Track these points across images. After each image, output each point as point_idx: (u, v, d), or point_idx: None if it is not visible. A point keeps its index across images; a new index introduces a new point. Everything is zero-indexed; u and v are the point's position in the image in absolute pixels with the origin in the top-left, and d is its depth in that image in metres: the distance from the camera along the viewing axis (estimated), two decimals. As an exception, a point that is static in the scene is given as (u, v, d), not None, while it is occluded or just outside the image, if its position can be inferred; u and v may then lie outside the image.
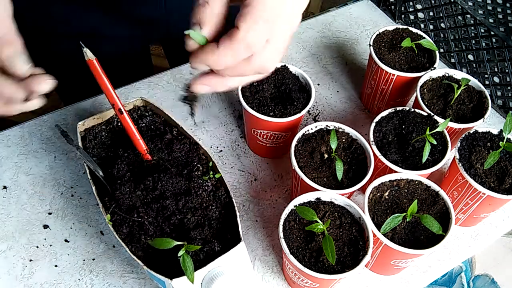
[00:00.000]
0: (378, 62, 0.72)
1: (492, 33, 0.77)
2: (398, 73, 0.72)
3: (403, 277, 0.65)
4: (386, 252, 0.58)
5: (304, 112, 0.67)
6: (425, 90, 0.72)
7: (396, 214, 0.57)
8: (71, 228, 0.66)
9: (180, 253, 0.49)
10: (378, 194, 0.61)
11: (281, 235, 0.55)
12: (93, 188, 0.56)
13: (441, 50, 0.89)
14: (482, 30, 0.80)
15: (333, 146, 0.62)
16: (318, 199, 0.59)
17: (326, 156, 0.63)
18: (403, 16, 0.95)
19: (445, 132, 0.66)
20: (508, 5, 0.95)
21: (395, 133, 0.67)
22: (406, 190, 0.61)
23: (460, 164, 0.63)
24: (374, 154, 0.63)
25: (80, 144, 0.61)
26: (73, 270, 0.62)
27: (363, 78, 0.84)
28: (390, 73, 0.72)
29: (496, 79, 0.82)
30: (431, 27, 0.89)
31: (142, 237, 0.53)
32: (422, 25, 0.91)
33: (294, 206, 0.58)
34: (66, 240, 0.65)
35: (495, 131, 0.67)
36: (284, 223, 0.57)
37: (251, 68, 0.45)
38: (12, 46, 0.45)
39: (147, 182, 0.56)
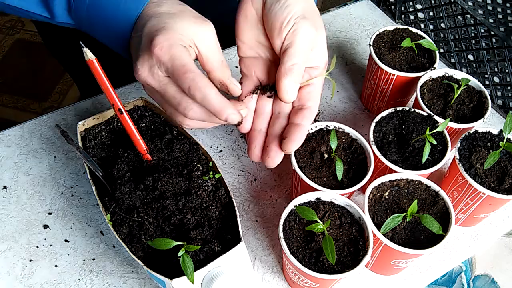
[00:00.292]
0: (378, 62, 0.72)
1: (492, 33, 0.77)
2: (398, 73, 0.72)
3: (403, 277, 0.65)
4: (386, 252, 0.58)
5: (304, 112, 0.67)
6: (425, 90, 0.72)
7: (396, 214, 0.57)
8: (71, 228, 0.66)
9: (180, 253, 0.49)
10: (378, 194, 0.61)
11: (281, 235, 0.55)
12: (93, 188, 0.56)
13: (441, 50, 0.89)
14: (482, 30, 0.80)
15: (333, 146, 0.62)
16: (318, 199, 0.59)
17: (326, 156, 0.63)
18: (403, 16, 0.95)
19: (445, 132, 0.66)
20: (508, 5, 0.95)
21: (395, 133, 0.67)
22: (406, 190, 0.61)
23: (460, 164, 0.63)
24: (374, 154, 0.63)
25: (80, 144, 0.61)
26: (73, 270, 0.62)
27: (363, 78, 0.85)
28: (390, 73, 0.72)
29: (496, 79, 0.82)
30: (431, 27, 0.89)
31: (142, 237, 0.53)
32: (422, 25, 0.91)
33: (294, 206, 0.58)
34: (66, 240, 0.65)
35: (495, 131, 0.67)
36: (284, 223, 0.57)
37: None
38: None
39: (147, 182, 0.56)
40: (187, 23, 0.52)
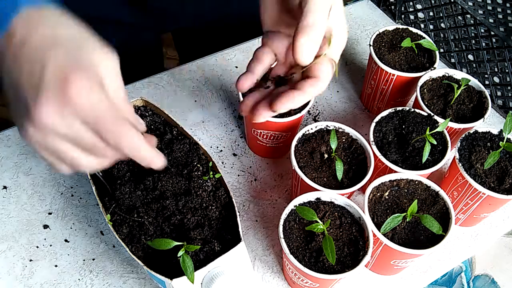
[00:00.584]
0: (378, 62, 0.72)
1: (492, 33, 0.77)
2: (398, 73, 0.72)
3: (403, 277, 0.65)
4: (386, 252, 0.58)
5: (304, 112, 0.67)
6: (425, 90, 0.72)
7: (396, 214, 0.57)
8: (71, 228, 0.66)
9: (180, 253, 0.49)
10: (378, 194, 0.61)
11: (281, 235, 0.55)
12: (93, 188, 0.56)
13: (441, 50, 0.89)
14: (482, 30, 0.80)
15: (333, 146, 0.62)
16: (318, 199, 0.59)
17: (326, 156, 0.63)
18: (403, 16, 0.95)
19: (445, 132, 0.66)
20: (508, 5, 0.95)
21: (395, 133, 0.67)
22: (406, 190, 0.61)
23: (460, 164, 0.63)
24: (374, 154, 0.63)
25: (80, 144, 0.61)
26: (73, 270, 0.62)
27: (363, 78, 0.84)
28: (390, 73, 0.72)
29: (496, 79, 0.82)
30: (431, 27, 0.89)
31: (142, 237, 0.53)
32: (422, 25, 0.91)
33: (294, 206, 0.58)
34: (66, 240, 0.65)
35: (495, 131, 0.67)
36: (284, 223, 0.57)
37: None
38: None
39: (147, 182, 0.56)
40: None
